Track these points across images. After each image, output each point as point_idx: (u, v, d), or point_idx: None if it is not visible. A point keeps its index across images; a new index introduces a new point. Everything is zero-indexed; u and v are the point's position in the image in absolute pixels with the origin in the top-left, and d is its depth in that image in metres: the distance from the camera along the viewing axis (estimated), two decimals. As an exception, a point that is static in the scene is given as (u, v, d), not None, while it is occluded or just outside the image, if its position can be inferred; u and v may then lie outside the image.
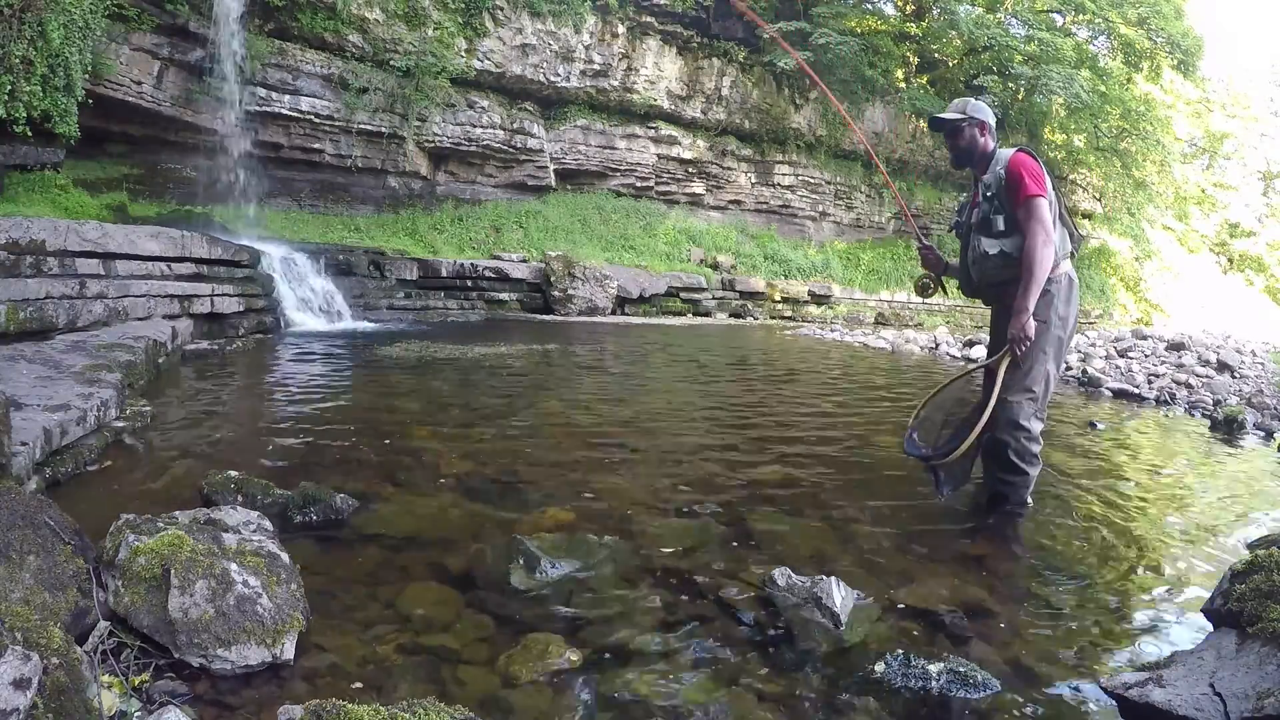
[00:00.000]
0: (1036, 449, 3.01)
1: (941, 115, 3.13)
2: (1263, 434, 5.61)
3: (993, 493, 3.12)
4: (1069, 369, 8.39)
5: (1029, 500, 3.10)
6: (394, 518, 2.67)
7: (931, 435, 3.13)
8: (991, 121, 3.11)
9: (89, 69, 8.28)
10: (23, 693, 1.20)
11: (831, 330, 13.80)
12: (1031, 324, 2.88)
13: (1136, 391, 7.19)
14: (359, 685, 1.67)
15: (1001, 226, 2.99)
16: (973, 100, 3.16)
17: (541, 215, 15.36)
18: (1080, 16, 20.50)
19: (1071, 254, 3.09)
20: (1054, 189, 3.01)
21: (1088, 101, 18.06)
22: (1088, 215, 25.88)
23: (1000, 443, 2.99)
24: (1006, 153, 3.03)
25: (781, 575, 2.18)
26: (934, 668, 1.81)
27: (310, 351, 7.04)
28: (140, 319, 6.16)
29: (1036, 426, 2.99)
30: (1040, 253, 2.83)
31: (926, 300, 3.55)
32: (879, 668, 1.84)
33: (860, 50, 17.48)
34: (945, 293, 3.57)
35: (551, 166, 15.95)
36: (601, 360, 7.82)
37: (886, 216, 21.32)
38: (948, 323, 18.12)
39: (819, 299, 17.56)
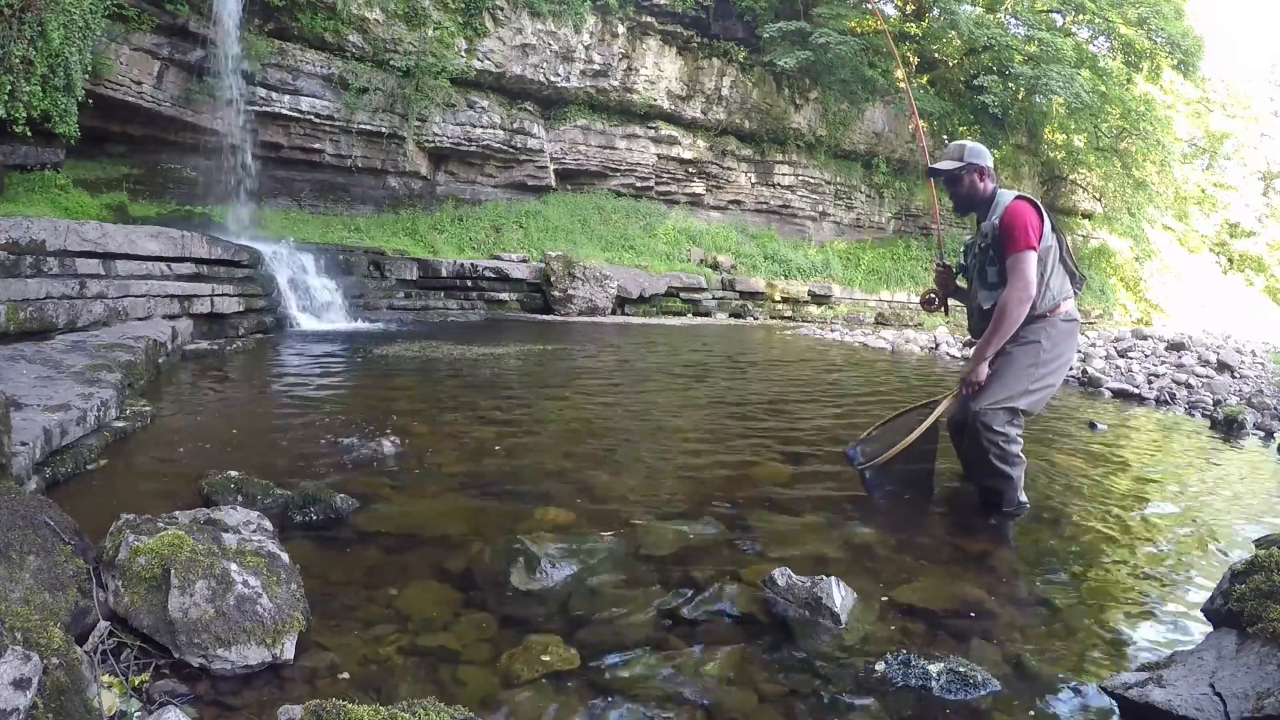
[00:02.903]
0: (1016, 449, 3.02)
1: (938, 166, 3.15)
2: (1263, 434, 5.60)
3: (984, 499, 3.14)
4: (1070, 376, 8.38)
5: (1024, 499, 3.11)
6: (394, 518, 2.67)
7: (871, 450, 3.21)
8: (989, 164, 3.12)
9: (89, 69, 8.28)
10: (23, 693, 1.20)
11: (831, 330, 13.80)
12: (984, 370, 3.03)
13: (1136, 391, 7.19)
14: (359, 685, 1.67)
15: (994, 279, 3.05)
16: (968, 144, 3.16)
17: (541, 215, 15.36)
18: (1080, 16, 20.49)
19: (1075, 293, 3.15)
20: (1056, 230, 3.04)
21: (1088, 101, 18.05)
22: (1088, 215, 25.88)
23: (980, 450, 3.02)
24: (1006, 197, 3.04)
25: (781, 575, 2.18)
26: (934, 668, 1.80)
27: (310, 351, 7.04)
28: (140, 319, 6.16)
29: (1013, 431, 3.00)
30: (1014, 307, 2.92)
31: (929, 311, 3.60)
32: (879, 668, 1.84)
33: (860, 50, 17.47)
34: (946, 312, 3.59)
35: (551, 166, 15.95)
36: (601, 360, 7.82)
37: (886, 216, 21.32)
38: (947, 323, 18.12)
39: (819, 299, 17.56)
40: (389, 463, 3.34)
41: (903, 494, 3.20)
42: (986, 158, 3.13)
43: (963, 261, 3.33)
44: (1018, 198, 3.01)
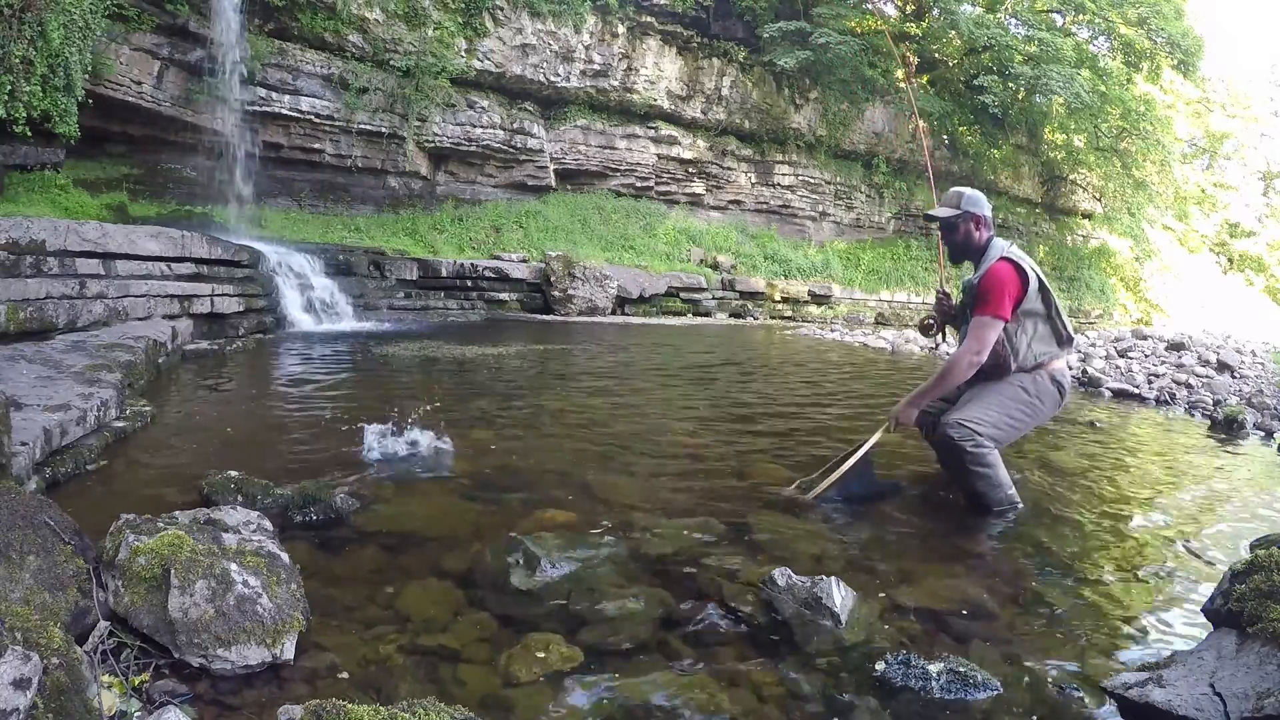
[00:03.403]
0: (987, 450, 2.99)
1: (933, 213, 3.16)
2: (1263, 434, 5.60)
3: (972, 503, 3.11)
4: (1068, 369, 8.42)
5: (1014, 495, 3.08)
6: (394, 517, 2.67)
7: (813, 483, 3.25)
8: (986, 213, 3.12)
9: (89, 69, 8.28)
10: (23, 693, 1.20)
11: (831, 330, 13.80)
12: (911, 414, 3.17)
13: (1136, 391, 7.19)
14: (359, 685, 1.67)
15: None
16: (967, 192, 3.15)
17: (541, 215, 15.36)
18: (1080, 16, 20.49)
19: (1063, 354, 3.17)
20: (1045, 290, 3.03)
21: (1088, 101, 18.04)
22: (1088, 215, 25.87)
23: (955, 457, 3.02)
24: (995, 253, 3.04)
25: (781, 575, 2.17)
26: (934, 668, 1.80)
27: (310, 351, 7.04)
28: (140, 319, 6.16)
29: (984, 433, 2.99)
30: (959, 368, 3.00)
31: (927, 337, 3.64)
32: (879, 668, 1.84)
33: (860, 50, 17.47)
34: (945, 338, 3.60)
35: (551, 166, 15.96)
36: (601, 361, 7.82)
37: (886, 216, 21.32)
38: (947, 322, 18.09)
39: (819, 299, 17.56)
40: (389, 462, 3.34)
41: (870, 500, 3.20)
42: (984, 206, 3.12)
43: (960, 300, 3.35)
44: (1003, 258, 3.00)
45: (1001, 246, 3.08)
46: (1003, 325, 2.97)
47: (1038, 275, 3.04)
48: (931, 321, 3.52)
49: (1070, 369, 7.75)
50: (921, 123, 16.84)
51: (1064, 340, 3.13)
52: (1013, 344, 3.06)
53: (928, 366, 9.03)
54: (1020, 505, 3.09)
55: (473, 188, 15.34)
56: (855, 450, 3.18)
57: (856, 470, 3.15)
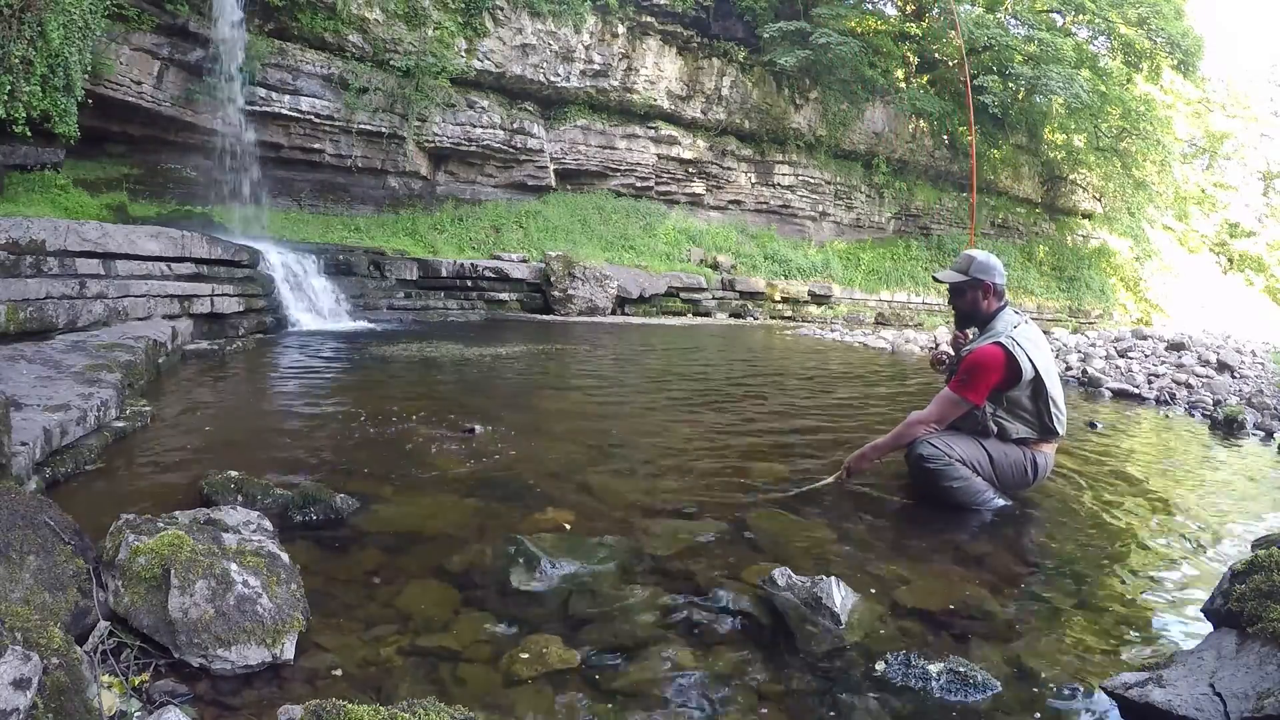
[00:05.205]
0: (957, 464, 2.99)
1: (940, 276, 3.15)
2: (1263, 434, 5.60)
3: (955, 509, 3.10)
4: (1068, 369, 8.44)
5: (997, 499, 3.07)
6: (394, 518, 2.67)
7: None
8: (998, 280, 3.05)
9: (89, 69, 8.28)
10: (23, 693, 1.20)
11: (831, 330, 13.80)
12: (864, 465, 3.17)
13: (1136, 391, 7.19)
14: (359, 685, 1.67)
15: None
16: (979, 257, 3.08)
17: (541, 215, 15.37)
18: (1080, 16, 20.50)
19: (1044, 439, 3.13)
20: (1039, 380, 2.96)
21: (1088, 101, 18.05)
22: (1088, 215, 25.88)
23: (929, 480, 3.02)
24: (1000, 329, 2.99)
25: (781, 575, 2.17)
26: (934, 668, 1.80)
27: (310, 351, 7.04)
28: (140, 319, 6.16)
29: (955, 456, 2.99)
30: (914, 431, 3.03)
31: (936, 371, 3.67)
32: (879, 668, 1.84)
33: (860, 50, 17.48)
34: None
35: (551, 166, 15.96)
36: (601, 361, 7.82)
37: (886, 216, 21.33)
38: (947, 323, 18.10)
39: (819, 299, 17.56)
40: (389, 462, 3.34)
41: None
42: (996, 273, 3.05)
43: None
44: (999, 342, 2.93)
45: (1009, 323, 3.00)
46: (970, 407, 2.97)
47: (1034, 367, 2.93)
48: (945, 360, 3.51)
49: (1064, 398, 7.67)
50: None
51: (1048, 432, 3.08)
52: (996, 418, 3.05)
53: (928, 365, 9.02)
54: (1011, 505, 3.10)
55: (473, 188, 15.34)
56: (801, 490, 3.23)
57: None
